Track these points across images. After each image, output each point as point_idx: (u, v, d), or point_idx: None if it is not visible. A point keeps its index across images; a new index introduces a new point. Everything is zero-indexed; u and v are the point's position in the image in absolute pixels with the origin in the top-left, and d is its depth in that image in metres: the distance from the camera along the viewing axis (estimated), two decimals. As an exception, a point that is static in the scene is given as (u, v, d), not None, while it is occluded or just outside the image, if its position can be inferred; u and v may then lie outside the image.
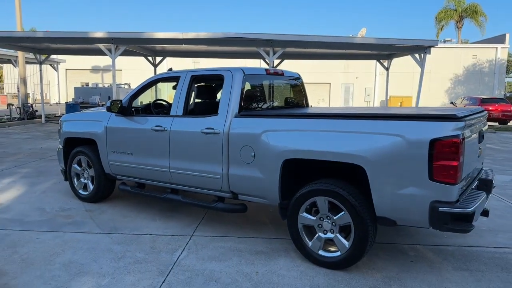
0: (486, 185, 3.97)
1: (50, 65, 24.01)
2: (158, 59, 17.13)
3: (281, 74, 4.99)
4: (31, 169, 7.81)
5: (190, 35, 12.04)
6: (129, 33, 12.15)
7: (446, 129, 3.06)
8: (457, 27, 40.95)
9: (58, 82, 31.41)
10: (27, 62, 21.56)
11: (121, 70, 36.51)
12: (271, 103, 4.92)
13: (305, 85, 5.50)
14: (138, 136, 4.90)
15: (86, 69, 35.86)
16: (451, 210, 3.06)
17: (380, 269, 3.65)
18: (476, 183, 3.86)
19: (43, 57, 17.39)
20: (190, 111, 4.76)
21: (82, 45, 13.49)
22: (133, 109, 5.16)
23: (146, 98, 9.00)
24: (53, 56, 22.86)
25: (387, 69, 16.18)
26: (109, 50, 12.60)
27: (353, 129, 3.46)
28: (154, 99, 6.24)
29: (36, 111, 19.23)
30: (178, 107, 4.64)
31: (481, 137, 3.69)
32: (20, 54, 18.65)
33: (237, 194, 4.25)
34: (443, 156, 3.05)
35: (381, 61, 16.10)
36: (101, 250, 3.98)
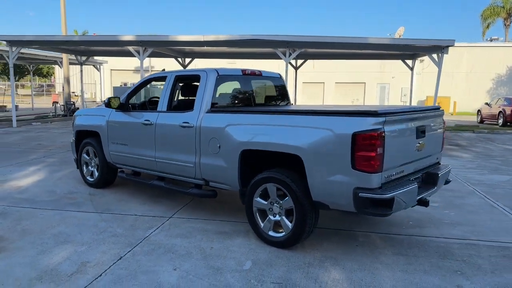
0: (432, 179, 4.24)
1: (93, 65, 25.65)
2: (187, 60, 18.00)
3: (258, 74, 5.45)
4: (56, 159, 8.75)
5: (210, 37, 12.71)
6: (155, 36, 13.04)
7: (366, 124, 3.42)
8: (505, 25, 39.16)
9: (101, 82, 33.25)
10: (72, 63, 23.25)
11: (158, 71, 38.15)
12: (246, 100, 5.40)
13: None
14: (131, 129, 5.55)
15: (129, 69, 37.65)
16: (370, 196, 3.42)
17: (323, 250, 4.04)
18: (420, 175, 4.15)
19: (83, 58, 18.80)
20: (174, 107, 5.35)
21: (114, 47, 14.56)
22: (129, 105, 5.82)
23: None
24: (96, 58, 24.45)
25: (411, 69, 16.08)
26: (138, 52, 13.54)
27: (295, 124, 3.90)
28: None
29: (78, 108, 20.72)
30: (164, 104, 5.24)
31: (420, 132, 3.97)
32: (64, 56, 20.21)
33: (208, 181, 4.78)
34: (362, 148, 3.41)
35: (405, 60, 16.02)
36: (89, 226, 4.64)
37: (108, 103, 5.62)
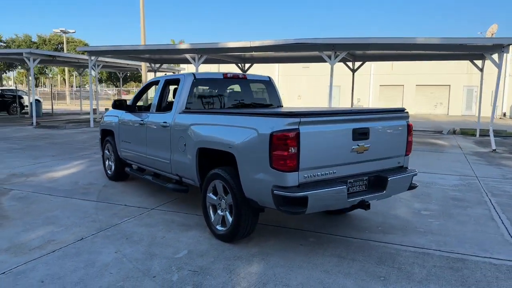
0: (381, 182, 4.12)
1: (172, 72, 27.66)
2: (247, 65, 18.64)
3: (242, 77, 5.71)
4: (102, 156, 9.85)
5: (256, 43, 13.12)
6: (207, 44, 13.82)
7: (281, 124, 3.52)
8: None
9: None
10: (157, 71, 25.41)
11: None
12: (226, 102, 5.67)
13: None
14: (133, 128, 6.17)
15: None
16: (283, 194, 3.51)
17: (264, 246, 4.18)
18: (366, 178, 4.07)
19: (157, 65, 20.51)
20: (162, 109, 5.84)
21: (176, 55, 15.78)
22: (136, 107, 6.45)
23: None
24: (171, 66, 26.34)
25: (481, 70, 14.75)
26: (194, 59, 14.49)
27: (232, 124, 4.12)
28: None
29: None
30: (154, 105, 5.77)
31: (359, 134, 3.90)
32: (142, 64, 22.23)
33: (180, 177, 5.17)
34: (277, 147, 3.52)
35: (474, 61, 14.76)
36: (80, 212, 5.31)
37: (114, 105, 6.31)
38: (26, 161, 8.93)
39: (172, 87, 5.87)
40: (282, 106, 6.08)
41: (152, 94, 8.15)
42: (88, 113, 18.64)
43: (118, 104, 6.29)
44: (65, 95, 47.97)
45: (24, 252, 3.97)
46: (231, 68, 19.82)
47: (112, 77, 55.52)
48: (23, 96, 25.94)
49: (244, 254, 3.99)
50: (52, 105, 26.47)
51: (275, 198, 3.57)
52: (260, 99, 5.99)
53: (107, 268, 3.64)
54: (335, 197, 3.71)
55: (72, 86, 57.61)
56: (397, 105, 35.01)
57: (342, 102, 36.42)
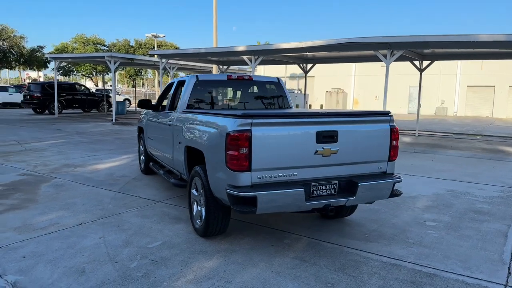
0: (351, 188, 3.99)
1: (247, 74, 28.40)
2: (308, 66, 18.50)
3: (248, 79, 5.83)
4: (151, 151, 10.63)
5: (308, 43, 13.00)
6: (262, 45, 14.07)
7: (235, 125, 3.61)
8: None
9: None
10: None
11: (313, 76, 39.25)
12: (230, 103, 5.83)
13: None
14: (153, 126, 6.64)
15: (284, 76, 40.03)
16: (233, 193, 3.59)
17: (235, 243, 4.28)
18: (336, 182, 3.97)
19: (224, 67, 21.31)
20: (174, 108, 6.18)
21: (232, 57, 16.24)
22: (160, 106, 6.91)
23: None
24: (243, 67, 27.04)
25: None
26: (250, 61, 14.84)
27: (204, 123, 4.29)
28: None
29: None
30: (168, 105, 6.16)
31: (324, 137, 3.82)
32: (214, 66, 23.23)
33: (180, 173, 5.47)
34: (230, 147, 3.61)
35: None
36: (96, 200, 5.89)
37: (139, 104, 6.84)
38: (84, 154, 9.99)
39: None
40: (291, 108, 6.08)
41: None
42: None
43: (143, 104, 6.80)
44: (155, 95, 51.79)
45: (28, 231, 4.57)
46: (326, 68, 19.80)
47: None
48: (111, 95, 28.65)
49: (210, 249, 4.14)
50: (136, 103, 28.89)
51: (228, 196, 3.67)
52: (267, 100, 6.06)
53: (83, 250, 4.05)
54: (290, 199, 3.69)
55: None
56: (486, 108, 31.98)
57: (424, 104, 34.29)
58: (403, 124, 20.87)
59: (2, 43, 52.14)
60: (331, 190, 3.98)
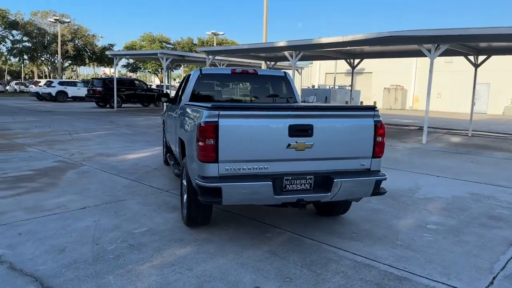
0: (326, 183, 3.88)
1: (296, 70, 28.26)
2: (356, 61, 17.95)
3: (253, 73, 5.83)
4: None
5: (348, 37, 12.60)
6: (301, 40, 13.88)
7: (203, 116, 3.67)
8: None
9: (300, 85, 35.61)
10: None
11: (371, 72, 37.99)
12: (234, 97, 5.87)
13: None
14: (167, 118, 6.89)
15: (341, 72, 39.16)
16: (200, 183, 3.66)
17: (216, 234, 4.34)
18: (311, 177, 3.89)
19: (272, 63, 21.36)
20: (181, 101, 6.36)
21: (271, 53, 16.22)
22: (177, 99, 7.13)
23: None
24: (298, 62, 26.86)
25: None
26: (291, 56, 14.75)
27: (189, 114, 4.39)
28: None
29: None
30: (178, 98, 6.35)
31: (297, 131, 3.74)
32: (262, 63, 23.36)
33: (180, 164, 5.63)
34: (199, 138, 3.67)
35: None
36: (109, 187, 6.23)
37: (156, 97, 7.12)
38: (122, 144, 10.59)
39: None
40: (297, 102, 5.99)
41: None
42: None
43: (162, 97, 7.07)
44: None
45: (35, 212, 4.97)
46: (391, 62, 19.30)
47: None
48: (167, 91, 29.94)
49: (189, 238, 4.24)
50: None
51: (197, 187, 3.75)
52: (273, 95, 6.03)
53: (73, 232, 4.34)
54: (257, 192, 3.68)
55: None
56: None
57: (491, 102, 31.87)
58: (460, 123, 19.58)
59: (78, 41, 56.45)
60: (306, 185, 3.90)
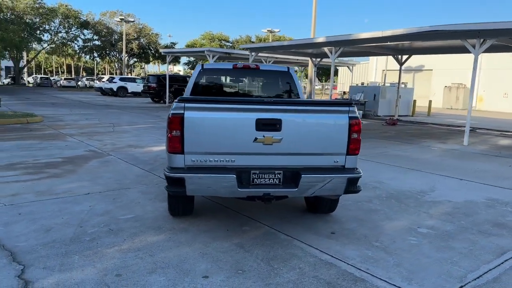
0: (295, 178, 3.82)
1: (347, 67, 27.64)
2: (404, 57, 17.15)
3: (254, 68, 5.84)
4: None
5: (388, 32, 12.08)
6: (339, 36, 13.53)
7: (171, 109, 3.78)
8: None
9: (351, 82, 34.56)
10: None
11: (431, 70, 36.08)
12: (234, 92, 5.91)
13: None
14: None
15: (397, 69, 37.58)
16: (166, 174, 3.78)
17: (195, 224, 4.45)
18: (280, 172, 3.86)
19: (317, 59, 21.04)
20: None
21: (312, 49, 15.96)
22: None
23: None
24: (347, 59, 26.29)
25: None
26: (331, 52, 14.46)
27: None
28: None
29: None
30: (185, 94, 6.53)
31: (264, 125, 3.73)
32: (309, 59, 23.10)
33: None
34: (167, 130, 3.79)
35: None
36: (122, 175, 6.58)
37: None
38: (155, 138, 11.06)
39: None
40: (299, 97, 5.91)
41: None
42: None
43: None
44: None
45: (44, 195, 5.40)
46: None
47: (319, 73, 59.60)
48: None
49: (167, 226, 4.39)
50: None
51: (164, 177, 3.88)
52: (276, 90, 6.00)
53: (66, 214, 4.66)
54: (220, 184, 3.73)
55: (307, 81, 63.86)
56: None
57: None
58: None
59: (142, 40, 59.46)
60: (275, 179, 3.88)
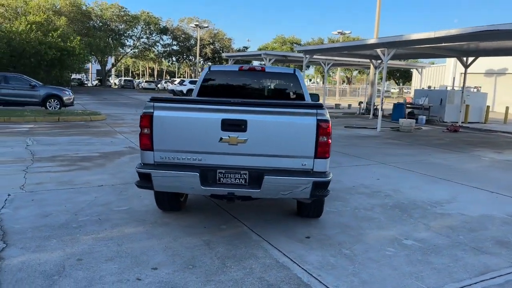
0: (258, 178, 3.82)
1: (416, 69, 26.24)
2: (470, 59, 15.84)
3: (260, 70, 5.88)
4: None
5: (441, 33, 11.24)
6: (391, 37, 12.89)
7: (144, 107, 3.99)
8: None
9: (420, 85, 32.43)
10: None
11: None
12: (240, 93, 5.96)
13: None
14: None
15: (479, 72, 34.72)
16: (137, 169, 4.00)
17: (178, 219, 4.64)
18: (245, 172, 3.90)
19: (378, 61, 20.22)
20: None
21: (364, 50, 15.36)
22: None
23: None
24: (416, 62, 24.97)
25: None
26: (383, 54, 13.87)
27: None
28: None
29: (376, 109, 22.35)
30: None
31: (229, 125, 3.78)
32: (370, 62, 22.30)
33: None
34: (140, 128, 4.02)
35: None
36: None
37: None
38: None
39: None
40: (305, 100, 5.83)
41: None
42: (341, 108, 20.77)
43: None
44: (335, 92, 52.77)
45: (63, 185, 5.93)
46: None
47: (395, 75, 58.00)
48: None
49: (151, 219, 4.63)
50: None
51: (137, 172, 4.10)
52: (280, 92, 5.98)
53: (70, 203, 5.09)
54: (183, 181, 3.86)
55: (368, 84, 62.73)
56: None
57: None
58: None
59: (216, 44, 61.75)
60: (241, 180, 3.92)
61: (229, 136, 3.82)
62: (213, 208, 5.11)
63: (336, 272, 3.50)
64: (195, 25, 52.79)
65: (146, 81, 61.07)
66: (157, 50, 60.99)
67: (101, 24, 50.40)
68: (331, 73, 67.18)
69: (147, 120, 3.90)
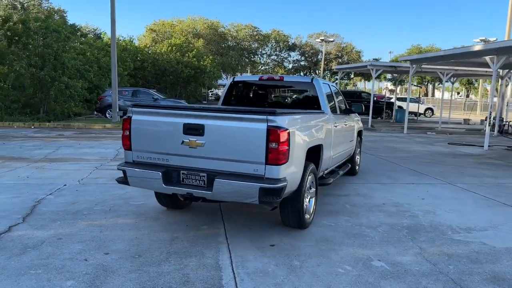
0: (213, 180, 3.96)
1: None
2: None
3: (279, 79, 5.93)
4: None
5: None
6: (501, 42, 11.17)
7: (127, 112, 4.50)
8: None
9: None
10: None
11: None
12: (260, 101, 6.05)
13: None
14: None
15: None
16: (117, 167, 4.51)
17: (171, 215, 5.05)
18: (204, 174, 4.10)
19: (505, 71, 17.54)
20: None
21: (471, 58, 13.38)
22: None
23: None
24: None
25: None
26: (492, 61, 12.13)
27: None
28: None
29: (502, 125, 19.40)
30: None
31: (189, 129, 4.03)
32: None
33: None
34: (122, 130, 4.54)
35: None
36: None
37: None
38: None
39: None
40: (320, 108, 5.66)
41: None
42: (459, 123, 19.20)
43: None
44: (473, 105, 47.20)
45: (112, 180, 6.86)
46: None
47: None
48: (398, 103, 28.76)
49: (148, 214, 5.12)
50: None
51: (123, 171, 4.62)
52: (299, 99, 5.92)
53: (100, 194, 5.92)
54: (149, 179, 4.24)
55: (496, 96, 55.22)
56: None
57: None
58: None
59: (344, 58, 61.15)
60: (200, 181, 4.13)
61: (189, 140, 4.08)
62: (213, 210, 5.35)
63: (262, 280, 3.43)
64: (320, 39, 53.22)
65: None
66: (285, 67, 63.19)
67: (235, 43, 54.63)
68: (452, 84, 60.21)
69: (127, 123, 4.41)
